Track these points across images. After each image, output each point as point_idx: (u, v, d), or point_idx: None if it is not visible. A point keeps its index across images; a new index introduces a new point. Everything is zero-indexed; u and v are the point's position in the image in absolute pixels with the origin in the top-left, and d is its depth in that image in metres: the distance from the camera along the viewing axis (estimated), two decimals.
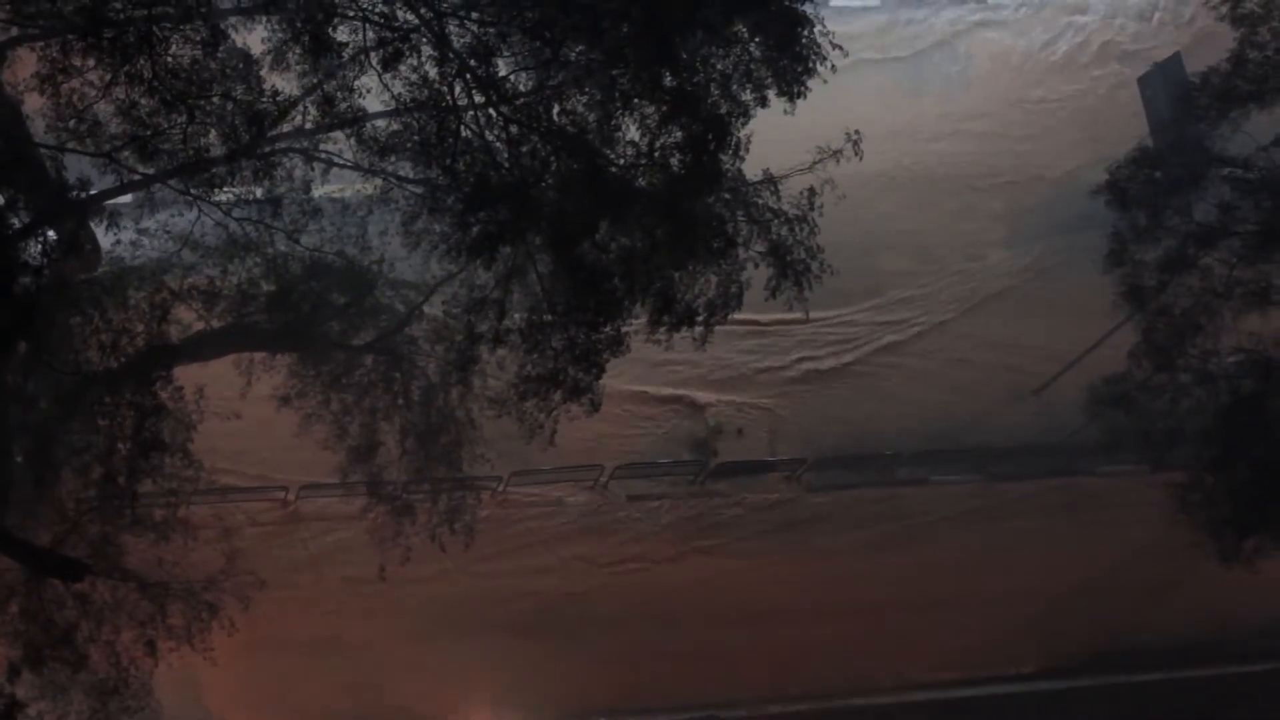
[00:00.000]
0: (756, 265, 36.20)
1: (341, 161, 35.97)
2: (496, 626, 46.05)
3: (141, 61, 30.08)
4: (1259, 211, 40.72)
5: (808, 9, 34.38)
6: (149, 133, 31.51)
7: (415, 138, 33.02)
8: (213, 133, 32.39)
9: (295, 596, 44.74)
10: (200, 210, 34.74)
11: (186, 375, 36.03)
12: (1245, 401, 41.52)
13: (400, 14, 32.34)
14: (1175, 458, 43.90)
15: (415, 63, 32.17)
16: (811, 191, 35.75)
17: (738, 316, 37.79)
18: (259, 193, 34.83)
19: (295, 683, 44.43)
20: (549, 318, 35.25)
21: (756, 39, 34.37)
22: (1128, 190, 42.45)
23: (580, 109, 33.47)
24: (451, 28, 32.30)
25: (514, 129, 33.22)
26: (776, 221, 35.87)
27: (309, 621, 44.88)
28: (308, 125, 34.23)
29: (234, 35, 32.64)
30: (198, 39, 31.05)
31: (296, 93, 33.29)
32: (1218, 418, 42.13)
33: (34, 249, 30.90)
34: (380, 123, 33.65)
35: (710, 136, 33.63)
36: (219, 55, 31.96)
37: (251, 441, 43.66)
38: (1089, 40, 58.83)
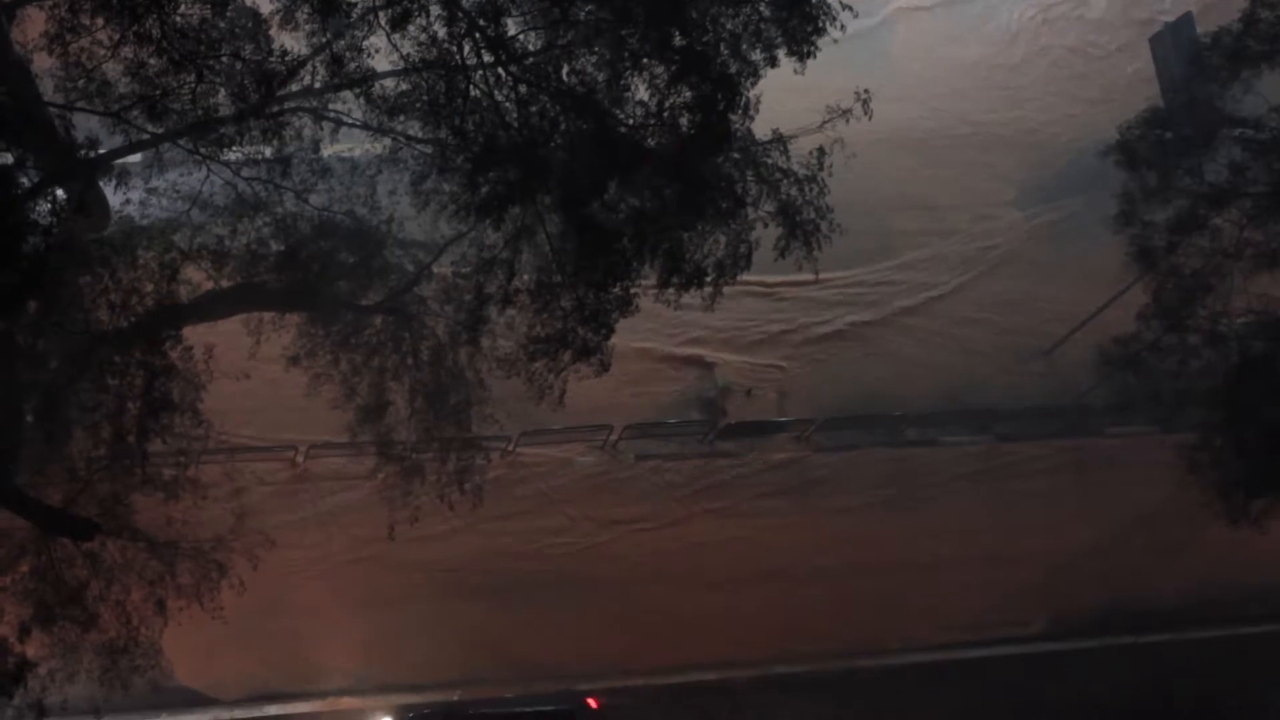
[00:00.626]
0: (766, 225, 36.17)
1: (350, 121, 35.98)
2: (502, 587, 46.13)
3: (150, 20, 29.98)
4: (1270, 172, 40.63)
5: None
6: (158, 92, 31.44)
7: (424, 97, 32.95)
8: (221, 92, 32.31)
9: (305, 556, 44.82)
10: (209, 170, 34.77)
11: (196, 335, 36.08)
12: (1255, 362, 41.44)
13: None
14: (1185, 419, 43.97)
15: (424, 22, 32.07)
16: (821, 151, 35.69)
17: (747, 277, 37.80)
18: (268, 152, 34.83)
19: (306, 642, 44.57)
20: (558, 278, 35.23)
21: None
22: (1138, 151, 42.36)
23: (589, 69, 33.39)
24: None
25: (523, 89, 33.15)
26: (786, 181, 35.82)
27: (318, 580, 44.97)
28: (317, 85, 34.17)
29: None
30: None
31: (305, 52, 33.21)
32: (1227, 379, 42.08)
33: (43, 208, 30.84)
34: (389, 82, 33.58)
35: (719, 96, 33.54)
36: (228, 14, 31.92)
37: (261, 401, 43.58)
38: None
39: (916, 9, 57.31)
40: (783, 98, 35.57)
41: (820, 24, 34.29)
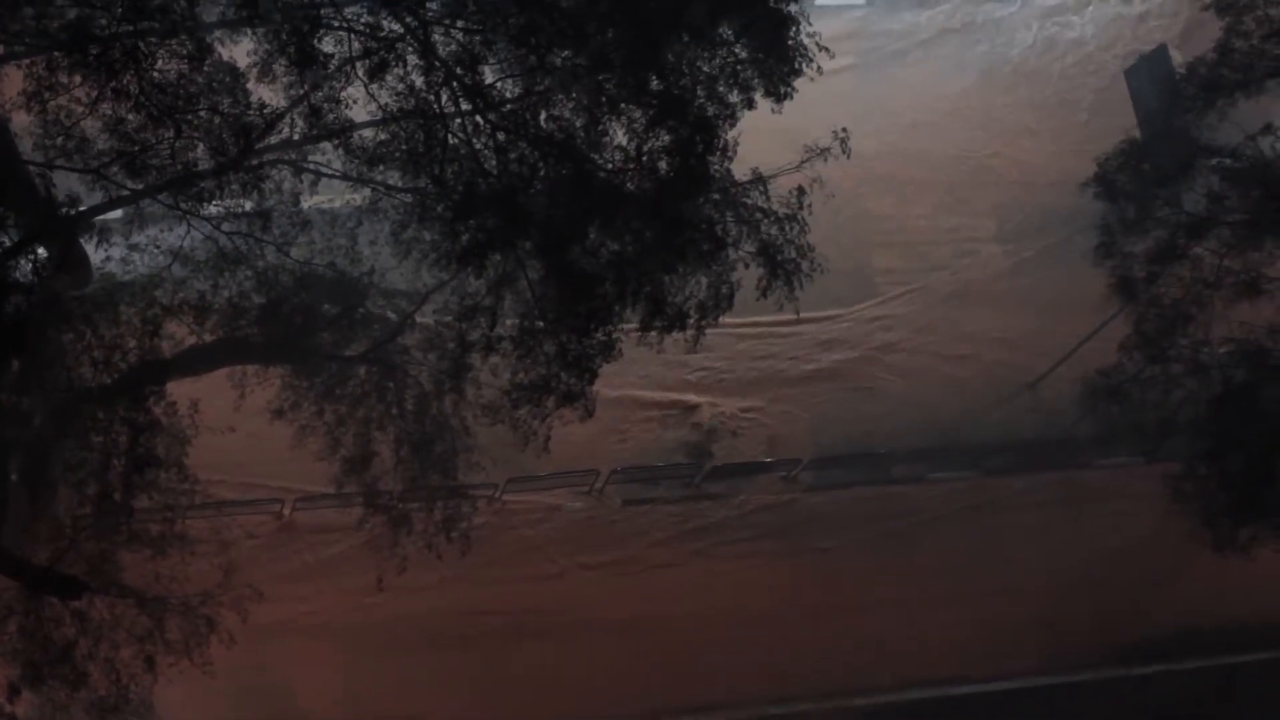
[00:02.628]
0: (747, 265, 36.23)
1: (330, 172, 36.02)
2: (492, 635, 46.03)
3: (128, 77, 30.07)
4: (1248, 201, 40.73)
5: (793, 9, 34.43)
6: (137, 148, 31.51)
7: (403, 147, 33.03)
8: (200, 147, 32.37)
9: (293, 609, 44.70)
10: (190, 224, 34.75)
11: (180, 390, 35.97)
12: (1238, 391, 41.52)
13: (385, 23, 32.37)
14: (1170, 449, 44.03)
15: (401, 72, 32.19)
16: (800, 190, 35.80)
17: (730, 319, 37.90)
18: (248, 206, 34.79)
19: (297, 694, 44.40)
20: (540, 324, 35.25)
21: (742, 40, 34.44)
22: (1116, 182, 42.57)
23: (567, 114, 33.50)
24: (437, 36, 32.30)
25: (501, 136, 33.22)
26: (766, 221, 35.93)
27: (307, 633, 44.85)
28: (295, 137, 34.24)
29: (220, 49, 32.68)
30: (183, 53, 31.05)
31: (283, 105, 33.28)
32: (1211, 408, 42.14)
33: (24, 267, 30.85)
34: (368, 133, 33.65)
35: (698, 139, 33.65)
36: (205, 69, 31.97)
37: (246, 454, 43.57)
38: (1075, 34, 58.95)
39: (893, 49, 57.63)
40: (763, 138, 35.75)
41: (797, 65, 34.49)
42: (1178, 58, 47.20)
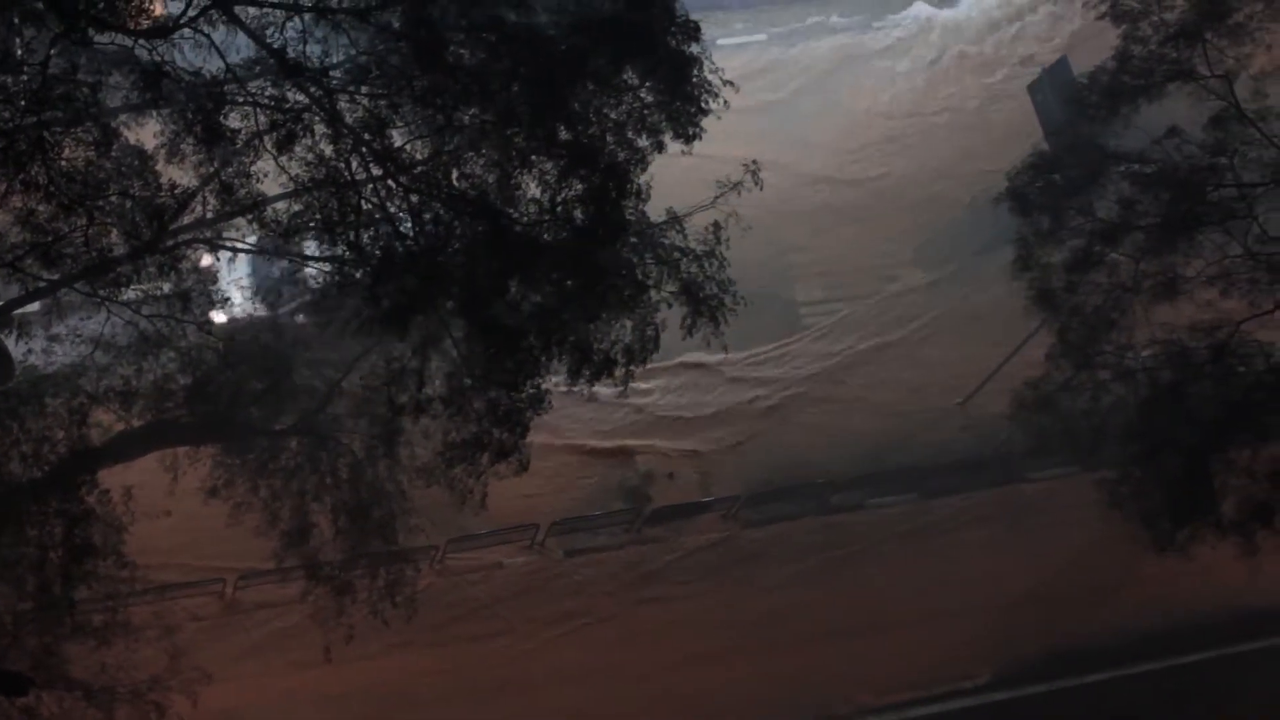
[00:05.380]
0: (670, 305, 36.33)
1: (246, 247, 35.94)
2: (443, 698, 45.74)
3: (35, 168, 29.92)
4: (1159, 204, 41.05)
5: (694, 49, 34.58)
6: (50, 238, 31.30)
7: (317, 216, 32.90)
8: (114, 232, 32.20)
9: (241, 687, 44.36)
10: (109, 311, 34.58)
11: (112, 477, 35.85)
12: (1164, 392, 41.81)
13: (290, 95, 32.30)
14: (1103, 455, 44.22)
15: (310, 142, 32.12)
16: (717, 226, 36.01)
17: (662, 361, 37.96)
18: (166, 287, 34.67)
19: None
20: (469, 382, 35.22)
21: (647, 84, 34.56)
22: (1028, 195, 42.84)
23: (479, 171, 33.50)
24: (343, 103, 32.26)
25: (415, 198, 33.20)
26: (685, 260, 36.07)
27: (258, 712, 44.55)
28: (208, 215, 34.16)
29: (126, 133, 32.53)
30: (90, 140, 30.91)
31: (194, 184, 33.16)
32: (1140, 410, 42.44)
33: None
34: (281, 205, 33.55)
35: (610, 186, 33.72)
36: (113, 154, 31.81)
37: (184, 536, 43.26)
38: (972, 54, 59.51)
39: (797, 84, 58.04)
40: (677, 177, 35.84)
41: (703, 104, 34.61)
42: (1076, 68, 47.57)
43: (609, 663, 47.27)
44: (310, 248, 35.00)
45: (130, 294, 34.08)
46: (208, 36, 30.31)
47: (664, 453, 51.00)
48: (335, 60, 32.31)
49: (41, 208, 30.92)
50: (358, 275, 33.27)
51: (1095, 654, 49.71)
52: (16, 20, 29.17)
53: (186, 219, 33.98)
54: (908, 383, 53.54)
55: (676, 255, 36.05)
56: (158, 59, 29.86)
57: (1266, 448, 41.47)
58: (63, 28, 28.19)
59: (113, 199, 31.74)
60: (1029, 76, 53.45)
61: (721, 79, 34.69)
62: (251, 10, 31.30)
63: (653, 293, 35.86)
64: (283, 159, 32.11)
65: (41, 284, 33.30)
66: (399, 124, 32.76)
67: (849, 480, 51.26)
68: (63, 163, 30.38)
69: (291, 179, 32.51)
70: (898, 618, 49.16)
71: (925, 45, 59.62)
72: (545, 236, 34.10)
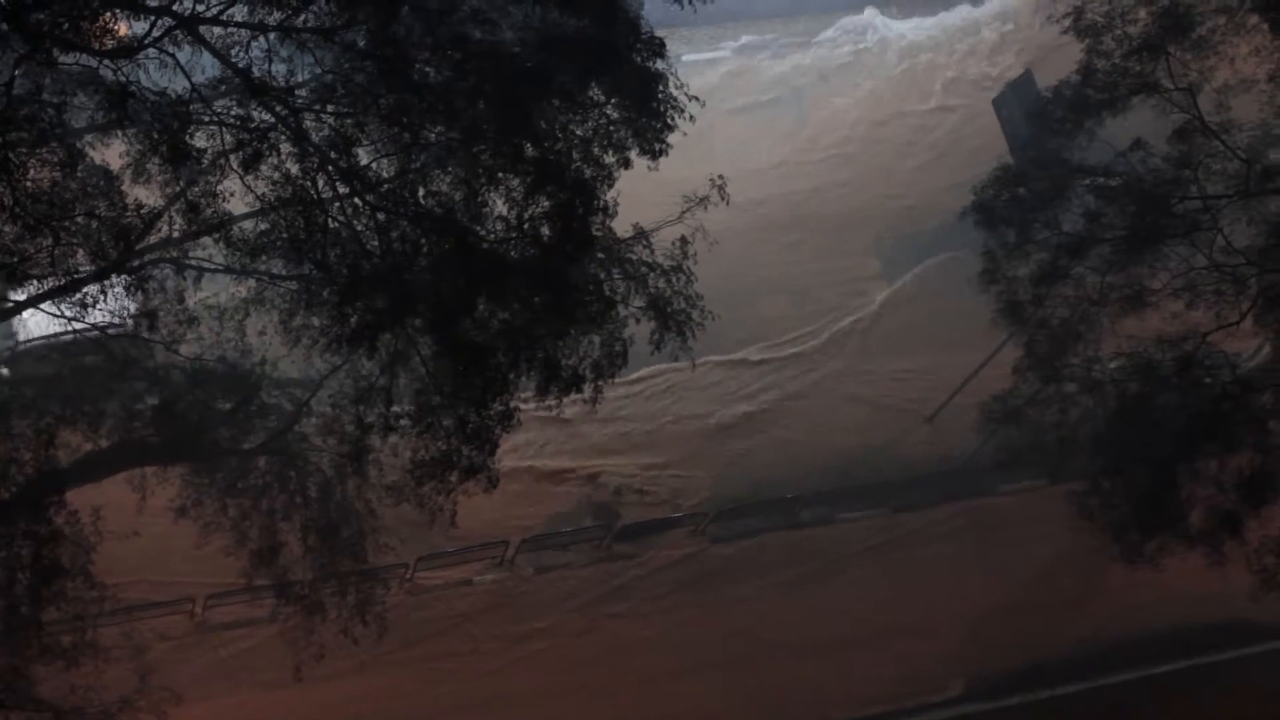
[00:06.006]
0: (638, 321, 36.38)
1: (213, 266, 35.85)
2: (415, 714, 45.68)
3: (0, 188, 29.83)
4: (1124, 216, 41.20)
5: (659, 65, 34.66)
6: (15, 259, 31.21)
7: (284, 235, 32.82)
8: (80, 252, 32.10)
9: (211, 707, 44.22)
10: (75, 332, 34.48)
11: (80, 497, 35.68)
12: (1131, 403, 41.94)
13: (256, 114, 32.24)
14: (1072, 467, 44.38)
15: (276, 161, 32.07)
16: (684, 240, 36.12)
17: (630, 376, 37.96)
18: (133, 307, 34.57)
19: None
20: (437, 399, 35.17)
21: (613, 100, 34.63)
22: (994, 209, 42.92)
23: (445, 189, 33.49)
24: (308, 122, 32.22)
25: (381, 216, 33.16)
26: (653, 275, 36.17)
27: None
28: (175, 234, 34.05)
29: (91, 153, 32.46)
30: (55, 160, 30.80)
31: (160, 203, 33.08)
32: (1107, 422, 42.59)
33: None
34: (248, 224, 33.50)
35: (577, 202, 33.75)
36: (78, 174, 31.72)
37: (153, 556, 43.17)
38: (937, 68, 59.69)
39: (767, 98, 58.21)
40: (644, 192, 35.89)
41: (669, 120, 34.70)
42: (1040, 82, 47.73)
43: (579, 679, 47.19)
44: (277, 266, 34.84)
45: (97, 315, 33.97)
46: (173, 56, 30.23)
47: (632, 469, 50.94)
48: (301, 79, 32.27)
49: (6, 228, 30.84)
50: (325, 294, 33.23)
51: (1066, 665, 49.75)
52: None
53: (152, 239, 33.81)
54: (875, 397, 53.60)
55: (644, 270, 36.15)
56: (123, 79, 29.78)
57: (1233, 458, 41.61)
58: (27, 48, 28.09)
59: (79, 220, 31.66)
60: (993, 91, 53.62)
61: (687, 94, 34.79)
62: (217, 30, 31.19)
63: (621, 308, 35.91)
64: (249, 178, 32.05)
65: (8, 305, 33.20)
66: (365, 142, 32.74)
67: (818, 495, 51.25)
68: (28, 183, 30.30)
69: (258, 198, 32.45)
70: (868, 632, 49.20)
71: (888, 59, 59.70)
72: (512, 253, 34.12)
